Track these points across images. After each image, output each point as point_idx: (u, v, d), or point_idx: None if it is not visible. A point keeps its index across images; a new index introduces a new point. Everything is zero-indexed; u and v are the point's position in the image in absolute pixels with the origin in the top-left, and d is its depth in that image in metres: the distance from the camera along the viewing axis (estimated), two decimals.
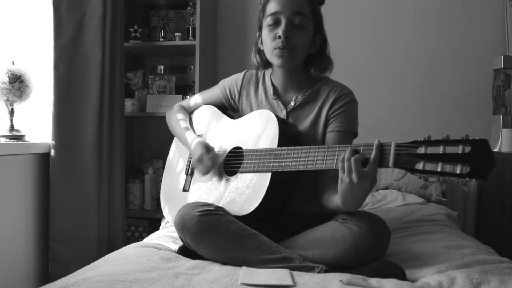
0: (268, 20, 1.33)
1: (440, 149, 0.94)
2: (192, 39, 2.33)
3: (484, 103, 2.26)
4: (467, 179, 0.90)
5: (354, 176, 1.04)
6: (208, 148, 1.35)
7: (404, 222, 1.61)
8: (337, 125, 1.33)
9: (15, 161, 1.82)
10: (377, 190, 2.14)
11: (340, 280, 0.98)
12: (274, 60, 1.34)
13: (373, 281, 0.99)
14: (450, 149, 0.93)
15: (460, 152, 0.91)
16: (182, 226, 1.17)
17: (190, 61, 2.56)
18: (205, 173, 1.34)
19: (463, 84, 2.34)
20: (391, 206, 1.91)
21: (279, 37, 1.29)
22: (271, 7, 1.32)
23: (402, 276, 1.04)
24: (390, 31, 2.41)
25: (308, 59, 1.39)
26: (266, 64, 1.42)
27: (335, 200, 1.17)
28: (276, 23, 1.31)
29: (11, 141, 1.84)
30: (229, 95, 1.51)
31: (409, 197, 2.01)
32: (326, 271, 1.07)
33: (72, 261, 1.92)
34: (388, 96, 2.42)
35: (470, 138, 0.91)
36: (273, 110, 1.40)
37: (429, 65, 2.38)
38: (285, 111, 1.39)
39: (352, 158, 1.04)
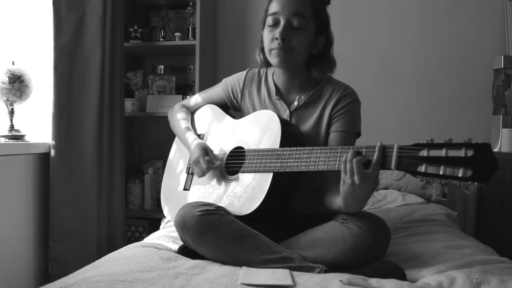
0: (268, 20, 1.33)
1: (443, 152, 0.93)
2: (192, 39, 2.33)
3: (484, 103, 2.26)
4: (469, 182, 0.90)
5: (356, 178, 1.04)
6: (206, 151, 1.35)
7: (404, 222, 1.61)
8: (340, 125, 1.33)
9: (15, 161, 1.82)
10: (377, 190, 2.14)
11: (340, 280, 0.98)
12: (272, 60, 1.35)
13: (373, 281, 0.99)
14: (453, 153, 0.92)
15: (462, 155, 0.91)
16: (182, 226, 1.17)
17: (190, 61, 2.56)
18: (201, 175, 1.35)
19: (463, 84, 2.34)
20: (391, 206, 1.90)
21: (277, 38, 1.29)
22: (272, 7, 1.32)
23: (402, 276, 1.04)
24: (390, 31, 2.41)
25: (310, 59, 1.38)
26: (268, 62, 1.42)
27: (338, 201, 1.17)
28: (275, 24, 1.31)
29: (11, 141, 1.84)
30: (231, 94, 1.50)
31: (409, 197, 2.01)
32: (326, 271, 1.07)
33: (72, 261, 1.92)
34: (388, 96, 2.42)
35: (473, 142, 0.91)
36: (276, 110, 1.40)
37: (429, 65, 2.38)
38: (288, 111, 1.39)
39: (354, 160, 1.04)
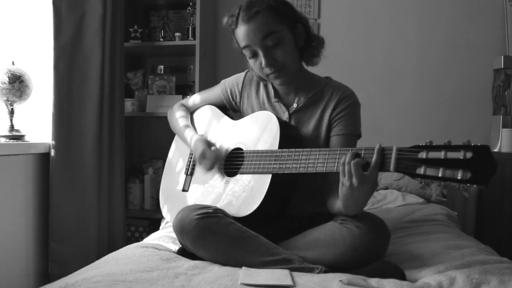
0: (245, 53, 1.31)
1: (442, 155, 0.93)
2: (192, 39, 2.33)
3: (484, 103, 2.26)
4: (468, 185, 0.90)
5: (354, 180, 1.04)
6: (209, 144, 1.35)
7: (404, 222, 1.61)
8: (341, 128, 1.32)
9: (15, 161, 1.82)
10: (377, 190, 2.14)
11: (340, 280, 0.98)
12: (275, 82, 1.35)
13: (373, 281, 0.99)
14: (452, 155, 0.92)
15: (461, 157, 0.90)
16: (181, 229, 1.17)
17: (190, 61, 2.56)
18: (210, 168, 1.33)
19: (463, 84, 2.34)
20: (391, 206, 1.90)
21: (264, 67, 1.28)
22: (240, 41, 1.29)
23: (401, 277, 1.04)
24: (390, 31, 2.41)
25: (302, 52, 1.35)
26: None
27: (338, 204, 1.17)
28: (254, 55, 1.29)
29: (11, 141, 1.84)
30: (230, 96, 1.50)
31: (409, 197, 2.01)
32: (325, 272, 1.07)
33: (72, 261, 1.92)
34: (388, 96, 2.42)
35: (472, 144, 0.90)
36: (275, 112, 1.39)
37: (429, 65, 2.38)
38: (287, 113, 1.38)
39: (352, 162, 1.04)
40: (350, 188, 1.06)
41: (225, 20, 1.32)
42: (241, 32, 1.27)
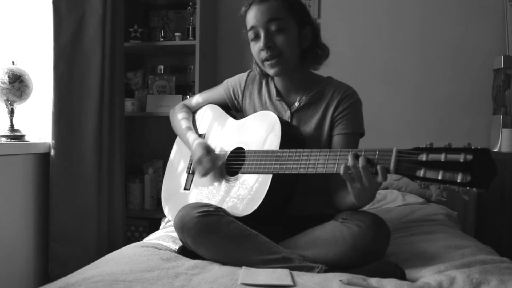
0: (249, 35, 1.35)
1: (442, 157, 0.92)
2: (192, 39, 2.33)
3: (484, 103, 2.26)
4: (468, 188, 0.89)
5: (365, 181, 1.04)
6: (208, 150, 1.35)
7: (404, 222, 1.61)
8: (343, 127, 1.33)
9: (15, 161, 1.82)
10: None
11: (340, 280, 0.98)
12: (268, 71, 1.36)
13: (373, 281, 0.99)
14: (452, 157, 0.91)
15: (461, 160, 0.90)
16: (181, 227, 1.17)
17: (190, 61, 2.56)
18: (204, 174, 1.34)
19: (463, 84, 2.34)
20: (391, 206, 1.90)
21: (262, 49, 1.31)
22: (248, 22, 1.34)
23: (402, 276, 1.04)
24: (390, 31, 2.41)
25: (304, 54, 1.37)
26: (267, 74, 1.41)
27: (349, 198, 1.17)
28: (256, 37, 1.33)
29: (11, 141, 1.84)
30: (232, 95, 1.51)
31: (409, 197, 2.01)
32: (325, 271, 1.07)
33: (72, 261, 1.92)
34: (388, 96, 2.42)
35: (472, 147, 0.90)
36: (277, 111, 1.40)
37: (429, 65, 2.38)
38: (289, 112, 1.38)
39: (360, 167, 1.03)
40: (362, 188, 1.07)
41: (242, 9, 1.38)
42: (251, 13, 1.32)
